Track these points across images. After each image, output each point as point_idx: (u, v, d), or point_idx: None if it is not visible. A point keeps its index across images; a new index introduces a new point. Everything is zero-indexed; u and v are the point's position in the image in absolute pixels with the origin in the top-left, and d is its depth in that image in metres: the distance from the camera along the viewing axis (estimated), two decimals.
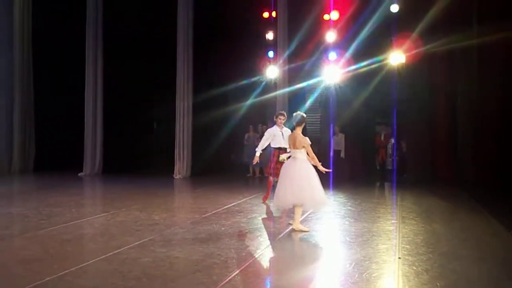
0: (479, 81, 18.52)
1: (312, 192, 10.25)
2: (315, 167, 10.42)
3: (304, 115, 10.69)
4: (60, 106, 22.77)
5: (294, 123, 10.59)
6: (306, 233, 10.16)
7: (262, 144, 13.43)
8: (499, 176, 16.27)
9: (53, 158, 22.54)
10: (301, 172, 10.31)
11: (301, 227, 10.33)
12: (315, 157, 10.54)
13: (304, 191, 10.20)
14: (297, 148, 10.39)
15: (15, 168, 22.66)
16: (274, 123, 13.34)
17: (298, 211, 10.35)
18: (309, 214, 11.92)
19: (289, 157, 10.68)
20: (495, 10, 17.27)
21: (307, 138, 10.50)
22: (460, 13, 18.98)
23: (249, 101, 23.70)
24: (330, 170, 10.96)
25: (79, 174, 22.00)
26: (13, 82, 22.67)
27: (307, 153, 10.45)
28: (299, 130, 10.50)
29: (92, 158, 22.62)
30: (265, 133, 13.66)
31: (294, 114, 10.75)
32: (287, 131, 12.91)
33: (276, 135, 13.39)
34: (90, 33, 22.28)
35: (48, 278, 6.77)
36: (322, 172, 10.47)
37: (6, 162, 22.52)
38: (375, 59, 20.45)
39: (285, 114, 13.55)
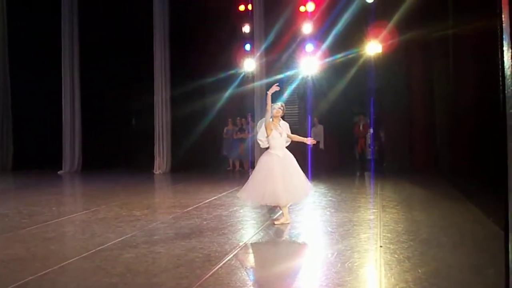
0: (455, 70, 18.60)
1: (286, 189, 10.11)
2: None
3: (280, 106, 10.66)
4: (37, 104, 22.63)
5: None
6: (287, 224, 10.20)
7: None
8: (476, 164, 16.37)
9: (32, 156, 22.41)
10: (279, 166, 10.24)
11: (282, 220, 10.33)
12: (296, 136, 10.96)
13: (279, 191, 10.05)
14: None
15: None
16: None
17: (285, 209, 10.35)
18: (290, 205, 11.94)
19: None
20: None
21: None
22: (436, 2, 19.06)
23: (227, 94, 23.65)
24: None
25: (58, 172, 21.88)
26: None
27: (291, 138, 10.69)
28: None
29: (71, 155, 22.51)
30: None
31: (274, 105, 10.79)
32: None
33: None
34: (66, 29, 22.11)
35: (30, 277, 6.74)
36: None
37: None
38: (351, 49, 20.53)
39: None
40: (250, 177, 10.63)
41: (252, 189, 10.32)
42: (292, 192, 10.21)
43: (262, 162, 10.45)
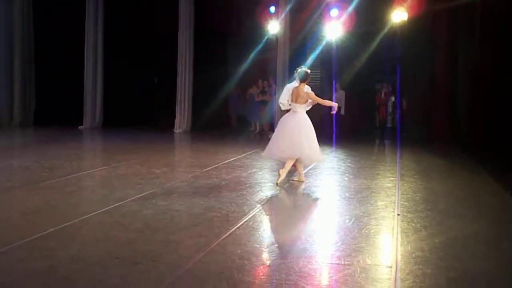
0: (481, 40, 18.42)
1: (309, 147, 10.47)
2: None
3: (308, 71, 10.64)
4: (60, 60, 22.69)
5: (298, 79, 10.56)
6: (302, 182, 10.63)
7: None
8: (496, 136, 16.27)
9: (53, 111, 22.51)
10: (300, 126, 10.50)
11: (298, 177, 10.75)
12: (323, 100, 11.10)
13: (302, 145, 10.36)
14: (299, 103, 10.46)
15: (15, 122, 22.65)
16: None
17: (289, 164, 10.49)
18: (309, 169, 12.00)
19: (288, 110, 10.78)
20: None
21: (309, 91, 10.60)
22: None
23: (251, 56, 23.54)
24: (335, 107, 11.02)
25: (79, 127, 22.00)
26: (13, 35, 22.54)
27: (315, 101, 10.70)
28: (302, 86, 10.52)
29: (92, 111, 22.61)
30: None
31: (298, 69, 10.71)
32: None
33: None
34: None
35: (50, 230, 6.84)
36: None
37: (6, 116, 22.51)
38: (377, 16, 20.33)
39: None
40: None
41: (273, 145, 10.69)
42: (309, 151, 10.52)
43: (282, 120, 10.83)
